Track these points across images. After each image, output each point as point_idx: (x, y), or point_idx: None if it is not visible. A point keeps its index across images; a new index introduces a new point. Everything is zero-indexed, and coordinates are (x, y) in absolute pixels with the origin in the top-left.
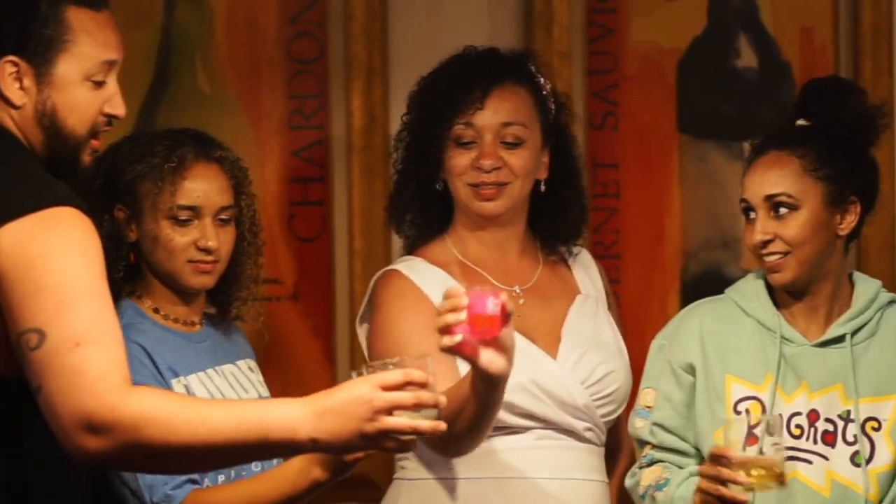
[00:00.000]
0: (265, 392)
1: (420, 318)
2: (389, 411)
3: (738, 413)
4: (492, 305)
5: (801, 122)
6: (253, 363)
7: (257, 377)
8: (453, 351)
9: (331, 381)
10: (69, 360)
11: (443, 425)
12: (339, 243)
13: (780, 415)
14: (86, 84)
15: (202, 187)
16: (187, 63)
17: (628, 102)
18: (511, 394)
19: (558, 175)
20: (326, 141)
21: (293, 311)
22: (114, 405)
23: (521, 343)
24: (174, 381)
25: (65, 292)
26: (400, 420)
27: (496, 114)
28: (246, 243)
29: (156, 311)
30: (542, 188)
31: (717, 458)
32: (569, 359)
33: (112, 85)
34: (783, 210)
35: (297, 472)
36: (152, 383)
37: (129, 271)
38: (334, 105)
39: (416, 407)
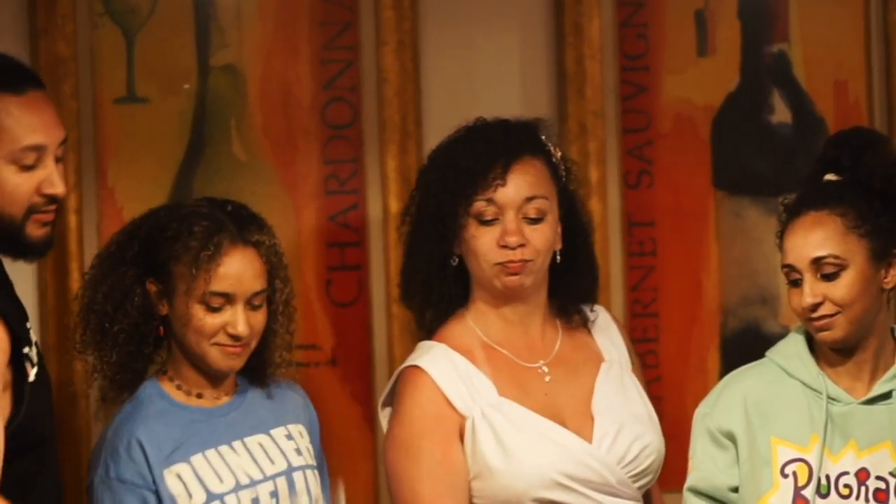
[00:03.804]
0: (300, 461)
1: (439, 437)
2: None
3: (784, 476)
4: None
5: (829, 176)
6: (300, 428)
7: (295, 444)
8: None
9: (371, 445)
10: None
11: None
12: (376, 308)
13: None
14: (10, 168)
15: (236, 274)
16: (222, 130)
17: (663, 160)
18: (547, 491)
19: (572, 242)
20: (362, 205)
21: (332, 376)
22: None
23: (547, 428)
24: (166, 471)
25: None
26: None
27: (519, 189)
28: (277, 323)
29: (179, 387)
30: (558, 259)
31: None
32: (604, 440)
33: (48, 165)
34: (831, 271)
35: None
36: (135, 479)
37: (158, 343)
38: (369, 169)
39: None
